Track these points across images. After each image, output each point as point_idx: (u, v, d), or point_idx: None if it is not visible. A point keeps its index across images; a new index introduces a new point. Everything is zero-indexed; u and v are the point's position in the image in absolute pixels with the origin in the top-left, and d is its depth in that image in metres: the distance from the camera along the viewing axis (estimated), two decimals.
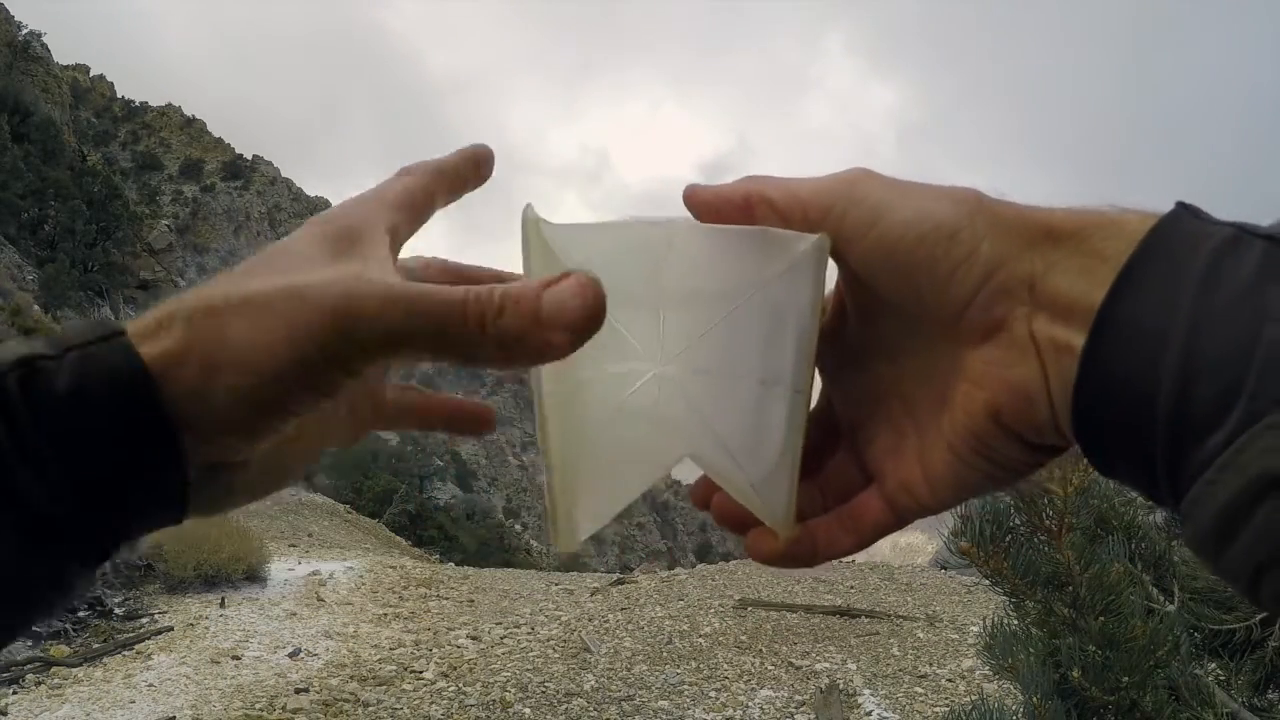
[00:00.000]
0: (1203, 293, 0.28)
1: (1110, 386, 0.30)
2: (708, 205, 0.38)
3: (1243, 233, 0.29)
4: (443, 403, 0.44)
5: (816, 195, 0.36)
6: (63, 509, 0.28)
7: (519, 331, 0.30)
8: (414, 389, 0.44)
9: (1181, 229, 0.30)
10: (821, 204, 0.36)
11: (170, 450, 0.30)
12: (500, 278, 0.42)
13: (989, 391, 0.34)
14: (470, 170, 0.41)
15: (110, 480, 0.29)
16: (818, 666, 5.59)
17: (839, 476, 0.41)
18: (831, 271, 0.38)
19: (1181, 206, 0.31)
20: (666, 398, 0.37)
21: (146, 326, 0.30)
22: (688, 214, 0.39)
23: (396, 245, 0.36)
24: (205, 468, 0.32)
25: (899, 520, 0.38)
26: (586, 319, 0.30)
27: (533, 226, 0.35)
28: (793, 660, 5.72)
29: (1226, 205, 0.31)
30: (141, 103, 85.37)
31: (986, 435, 0.34)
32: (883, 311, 0.38)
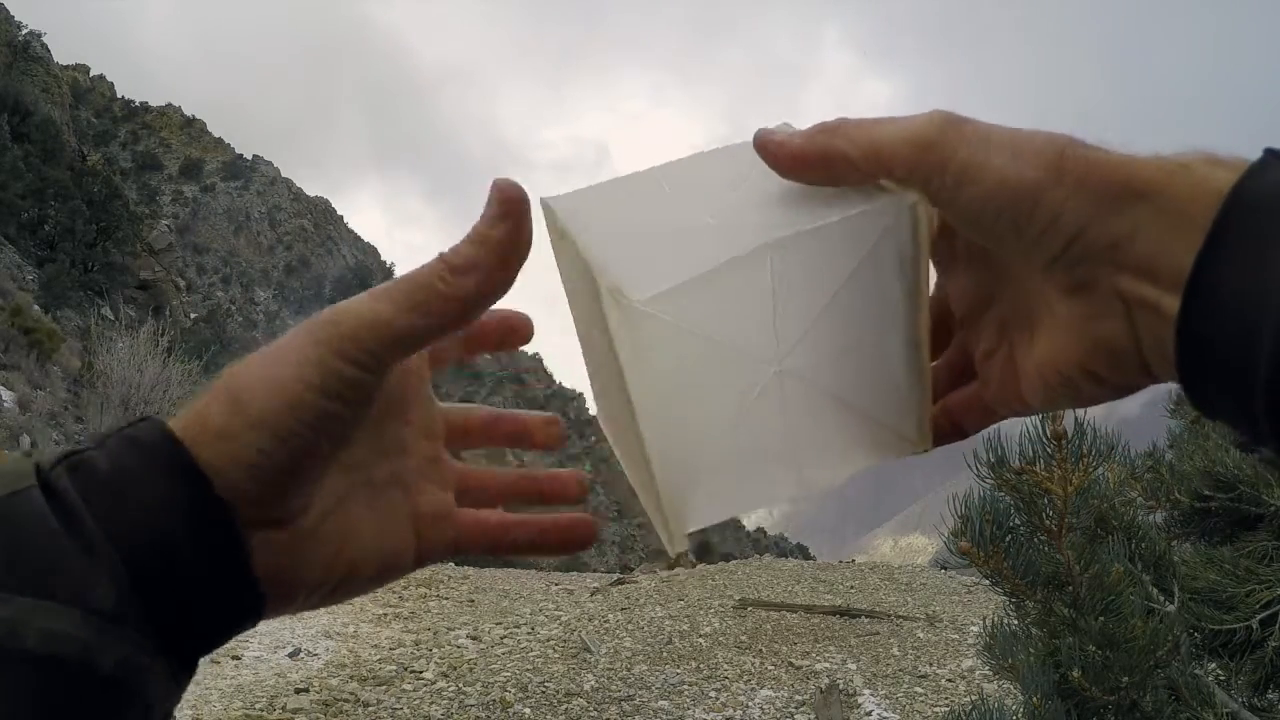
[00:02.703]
0: None
1: (1209, 353, 0.30)
2: (781, 161, 0.37)
3: None
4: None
5: (900, 151, 0.35)
6: (120, 595, 0.28)
7: (481, 269, 0.33)
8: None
9: (1269, 180, 0.29)
10: (905, 163, 0.35)
11: (209, 502, 0.30)
12: (550, 422, 0.44)
13: (1076, 342, 0.34)
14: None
15: (160, 550, 0.30)
16: (818, 666, 5.59)
17: (952, 365, 0.43)
18: None
19: (1271, 154, 0.30)
20: (792, 391, 0.38)
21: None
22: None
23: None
24: (260, 531, 0.32)
25: (998, 418, 0.41)
26: (516, 242, 0.33)
27: (622, 310, 0.34)
28: (793, 660, 5.72)
29: None
30: (141, 103, 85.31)
31: (1074, 377, 0.35)
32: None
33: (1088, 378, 0.35)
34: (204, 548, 0.30)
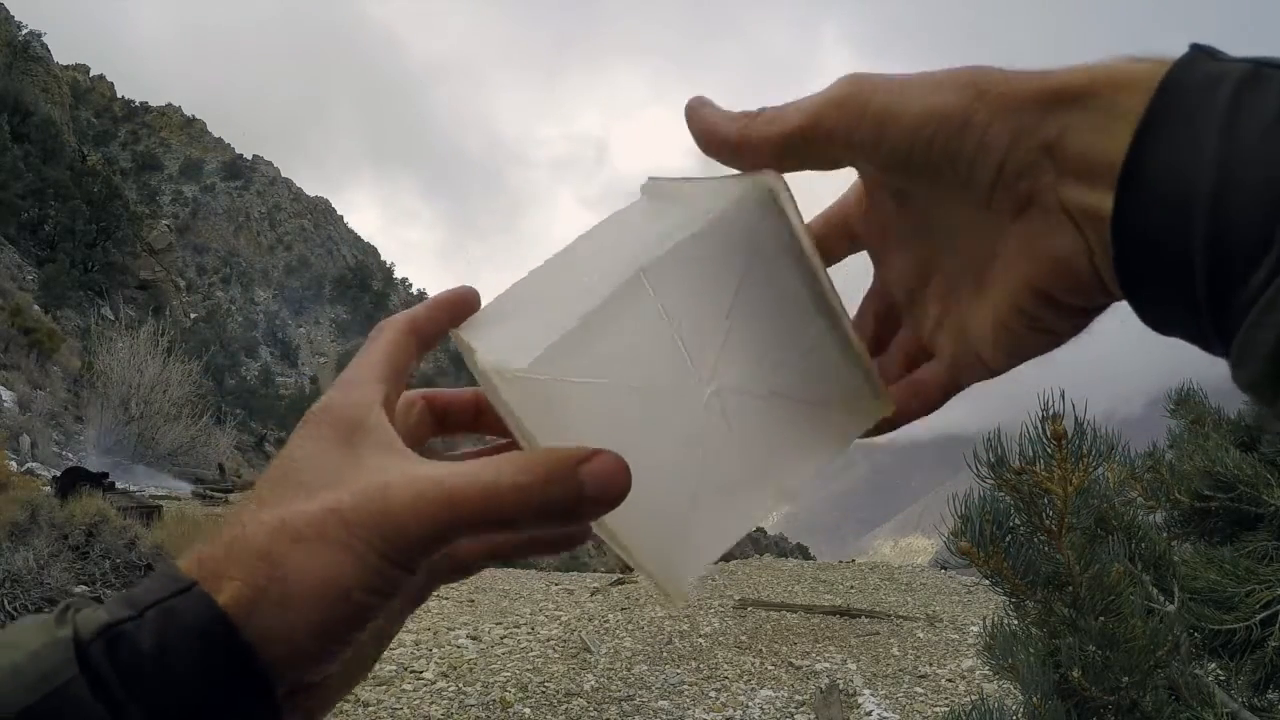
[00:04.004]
0: (1226, 137, 0.27)
1: (1146, 246, 0.29)
2: (713, 145, 0.38)
3: (1261, 67, 0.28)
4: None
5: (815, 121, 0.35)
6: None
7: (562, 510, 0.31)
8: None
9: (1197, 72, 0.29)
10: (824, 129, 0.35)
11: (263, 691, 0.30)
12: (478, 401, 0.43)
13: (1029, 266, 0.33)
14: (444, 318, 0.40)
15: None
16: (818, 666, 5.59)
17: (905, 350, 0.42)
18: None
19: (1196, 48, 0.30)
20: (734, 407, 0.37)
21: (208, 567, 0.31)
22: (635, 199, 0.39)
23: (393, 413, 0.37)
24: (288, 693, 0.32)
25: (961, 385, 0.40)
26: (621, 496, 0.31)
27: (510, 385, 0.32)
28: (793, 660, 5.72)
29: None
30: (141, 103, 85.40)
31: (1032, 308, 0.34)
32: (910, 198, 0.37)
33: (1043, 302, 0.33)
34: None
